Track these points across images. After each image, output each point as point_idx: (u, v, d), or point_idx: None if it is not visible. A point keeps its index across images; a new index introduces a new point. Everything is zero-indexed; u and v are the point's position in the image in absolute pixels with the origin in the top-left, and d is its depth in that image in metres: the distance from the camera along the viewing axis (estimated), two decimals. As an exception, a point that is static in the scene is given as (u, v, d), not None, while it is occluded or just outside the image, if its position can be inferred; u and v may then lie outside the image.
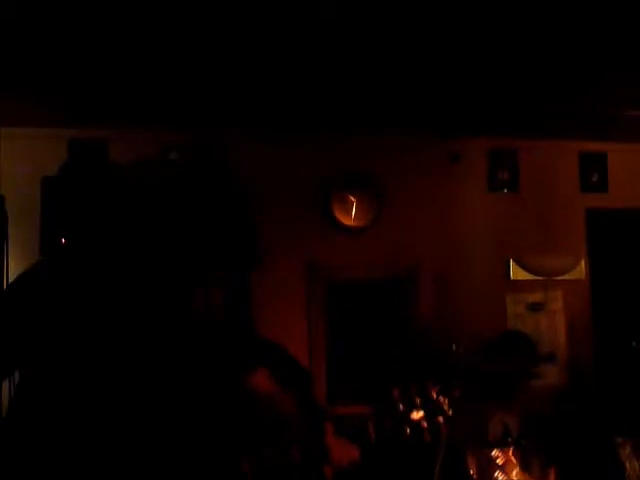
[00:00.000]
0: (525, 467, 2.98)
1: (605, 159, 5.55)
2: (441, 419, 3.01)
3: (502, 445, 3.13)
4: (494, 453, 2.99)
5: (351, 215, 4.96)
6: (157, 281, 2.11)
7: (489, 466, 2.96)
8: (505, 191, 5.34)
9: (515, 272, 5.22)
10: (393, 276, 4.95)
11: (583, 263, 5.39)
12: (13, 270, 3.42)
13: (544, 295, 5.25)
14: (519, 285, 5.25)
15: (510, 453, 3.01)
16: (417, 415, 3.02)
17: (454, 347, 4.27)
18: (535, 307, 5.24)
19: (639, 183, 5.61)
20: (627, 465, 3.14)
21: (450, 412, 3.03)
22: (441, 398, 3.07)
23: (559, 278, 5.30)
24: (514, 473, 2.94)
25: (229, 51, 3.52)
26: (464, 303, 5.01)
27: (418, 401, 3.06)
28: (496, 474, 2.95)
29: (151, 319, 2.04)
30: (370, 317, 4.91)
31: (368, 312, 4.92)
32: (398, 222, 5.06)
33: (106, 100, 4.16)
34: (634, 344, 4.38)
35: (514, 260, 5.22)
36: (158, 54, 3.52)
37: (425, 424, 3.00)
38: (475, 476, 2.95)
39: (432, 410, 3.04)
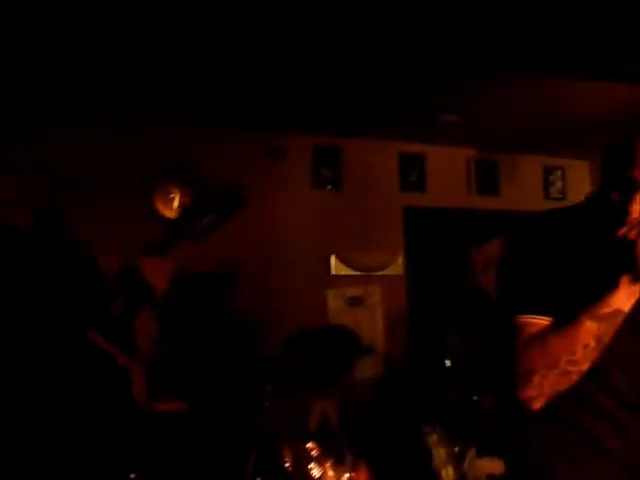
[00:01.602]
0: (338, 459, 3.04)
1: (423, 160, 5.80)
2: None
3: (318, 437, 3.17)
4: (309, 445, 3.03)
5: (173, 208, 4.85)
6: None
7: (304, 458, 2.99)
8: (328, 188, 5.43)
9: (336, 267, 5.33)
10: (215, 271, 4.89)
11: (401, 259, 5.59)
12: None
13: (363, 290, 5.39)
14: (340, 280, 5.36)
15: (325, 445, 3.06)
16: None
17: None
18: (355, 301, 5.38)
19: (454, 184, 5.93)
20: (434, 452, 3.29)
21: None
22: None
23: (378, 273, 5.46)
24: (328, 465, 2.99)
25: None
26: (286, 297, 5.04)
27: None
28: (311, 466, 2.98)
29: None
30: (191, 311, 4.81)
31: (189, 306, 4.82)
32: (222, 216, 5.00)
33: None
34: (441, 337, 4.61)
35: (335, 255, 5.32)
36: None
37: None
38: (290, 469, 2.97)
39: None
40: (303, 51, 3.68)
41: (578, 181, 6.21)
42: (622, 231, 1.59)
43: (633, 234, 1.58)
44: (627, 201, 1.63)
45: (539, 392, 1.61)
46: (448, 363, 4.04)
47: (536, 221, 1.87)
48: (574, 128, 5.11)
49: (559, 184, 6.46)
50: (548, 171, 6.43)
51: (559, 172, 6.45)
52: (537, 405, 1.63)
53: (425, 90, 4.36)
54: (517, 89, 4.43)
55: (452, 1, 3.14)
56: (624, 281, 1.60)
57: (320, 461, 2.99)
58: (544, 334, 1.63)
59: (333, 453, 3.04)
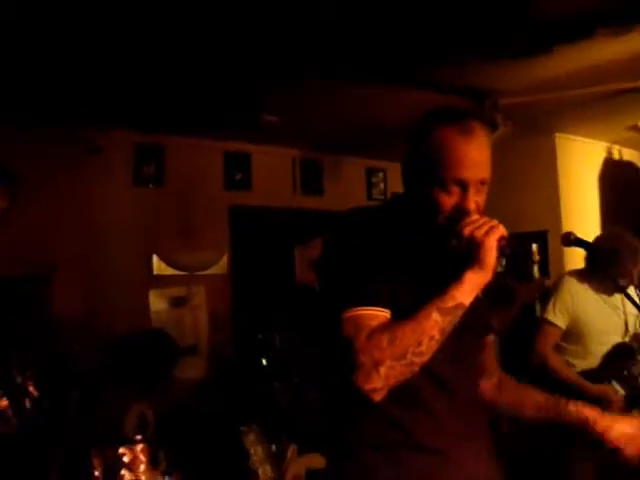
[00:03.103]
0: (153, 463, 2.96)
1: (249, 159, 5.79)
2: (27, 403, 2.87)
3: (133, 441, 3.07)
4: (121, 450, 2.93)
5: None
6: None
7: (115, 464, 2.89)
8: (151, 186, 5.29)
9: (158, 267, 5.20)
10: (28, 274, 4.61)
11: (225, 258, 5.56)
12: None
13: (187, 290, 5.31)
14: (162, 280, 5.24)
15: (139, 449, 2.97)
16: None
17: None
18: (178, 302, 5.28)
19: (280, 183, 5.98)
20: (251, 451, 3.29)
21: (36, 394, 2.90)
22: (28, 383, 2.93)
23: (202, 273, 5.40)
24: (141, 470, 2.91)
25: None
26: (107, 299, 4.85)
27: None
28: (122, 472, 2.89)
29: None
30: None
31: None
32: (34, 215, 4.68)
33: None
34: (260, 336, 4.65)
35: (158, 255, 5.19)
36: None
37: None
38: (100, 476, 2.85)
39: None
40: (120, 48, 3.56)
41: (399, 183, 6.44)
42: (468, 230, 1.66)
43: (480, 233, 1.65)
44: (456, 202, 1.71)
45: (384, 383, 1.62)
46: (264, 362, 4.06)
47: (357, 218, 1.89)
48: (395, 132, 5.28)
49: (381, 185, 6.70)
50: (371, 173, 6.65)
51: (381, 174, 6.69)
52: (379, 397, 1.64)
53: (248, 90, 4.35)
54: (340, 93, 4.52)
55: (272, 6, 3.14)
56: (468, 276, 1.66)
57: (132, 467, 2.90)
58: (390, 326, 1.65)
59: (147, 457, 2.96)
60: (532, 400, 2.02)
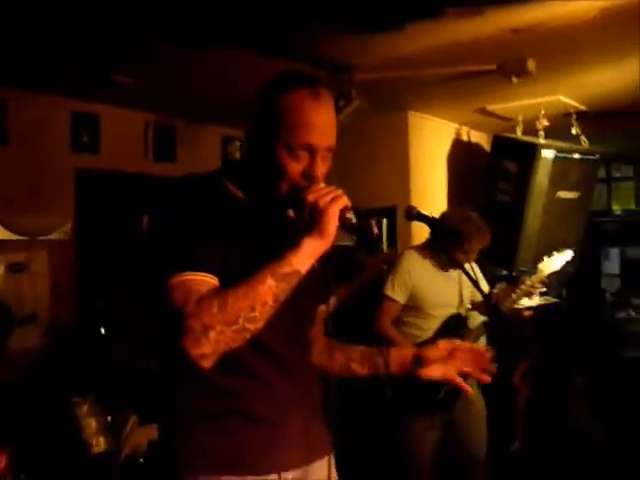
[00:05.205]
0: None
1: (98, 120, 5.55)
2: None
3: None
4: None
5: None
6: None
7: None
8: (-11, 144, 4.96)
9: (-5, 231, 4.90)
10: None
11: (70, 223, 5.31)
12: None
13: (27, 255, 5.04)
14: (0, 245, 4.94)
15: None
16: None
17: None
18: (17, 268, 5.00)
19: (131, 148, 5.78)
20: (84, 423, 3.18)
21: None
22: None
23: (44, 238, 5.14)
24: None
25: None
26: None
27: None
28: None
29: None
30: None
31: None
32: None
33: None
34: (97, 303, 4.52)
35: (-5, 218, 4.89)
36: None
37: None
38: None
39: None
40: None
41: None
42: (312, 197, 1.64)
43: (324, 201, 1.63)
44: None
45: (214, 349, 1.58)
46: (103, 330, 3.94)
47: (184, 184, 1.86)
48: (251, 101, 5.22)
49: (237, 154, 6.61)
50: (227, 141, 6.56)
51: (237, 143, 6.60)
52: (208, 363, 1.60)
53: (98, 49, 4.14)
54: (196, 59, 4.39)
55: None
56: (306, 242, 1.64)
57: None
58: (221, 291, 1.62)
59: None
60: (358, 356, 2.06)
